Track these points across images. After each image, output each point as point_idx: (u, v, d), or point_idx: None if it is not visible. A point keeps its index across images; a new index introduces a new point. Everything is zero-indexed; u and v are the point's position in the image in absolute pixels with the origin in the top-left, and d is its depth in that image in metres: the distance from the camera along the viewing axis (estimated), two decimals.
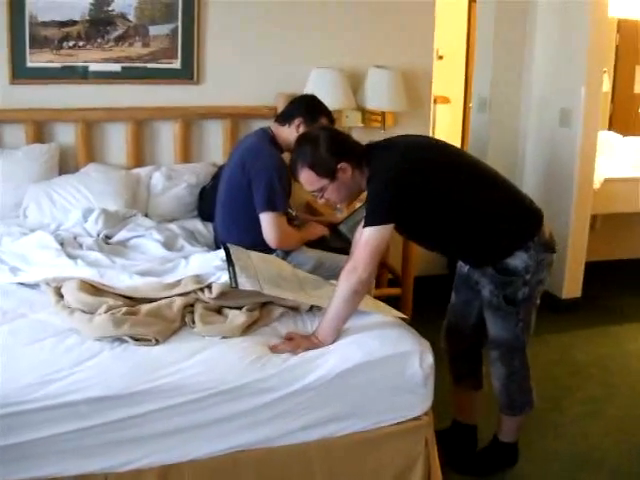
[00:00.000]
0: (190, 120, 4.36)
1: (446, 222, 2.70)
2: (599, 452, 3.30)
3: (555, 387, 3.85)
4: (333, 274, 3.04)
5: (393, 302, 3.73)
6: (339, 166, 2.62)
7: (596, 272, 5.18)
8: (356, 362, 2.43)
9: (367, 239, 2.53)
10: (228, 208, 3.52)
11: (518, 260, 2.70)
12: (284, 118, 3.49)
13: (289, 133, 3.42)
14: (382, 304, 2.94)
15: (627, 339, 4.56)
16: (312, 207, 4.34)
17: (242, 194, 3.38)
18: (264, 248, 3.26)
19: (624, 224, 5.68)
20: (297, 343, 2.52)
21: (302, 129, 3.37)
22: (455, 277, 3.07)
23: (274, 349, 2.49)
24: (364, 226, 2.55)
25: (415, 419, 2.57)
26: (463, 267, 2.99)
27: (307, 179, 2.68)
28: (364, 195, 2.71)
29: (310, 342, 2.52)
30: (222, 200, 3.57)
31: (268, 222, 3.31)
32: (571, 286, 4.92)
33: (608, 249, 5.64)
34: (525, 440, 3.18)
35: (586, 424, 3.52)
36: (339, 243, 3.58)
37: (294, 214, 3.73)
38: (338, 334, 2.55)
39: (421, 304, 4.53)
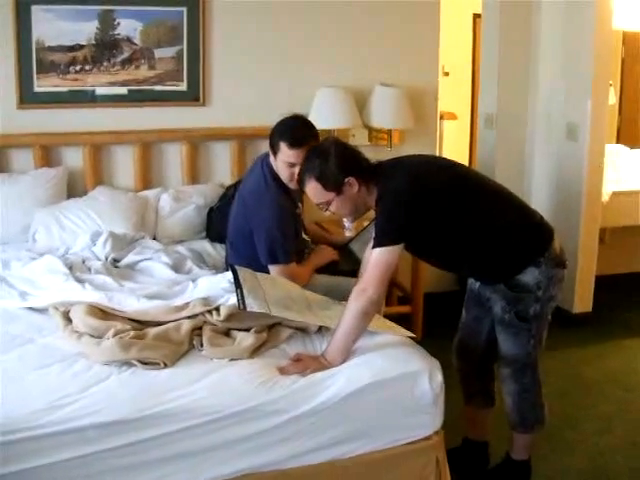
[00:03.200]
0: (197, 142, 4.38)
1: (456, 241, 2.70)
2: (612, 468, 3.27)
3: (567, 403, 3.82)
4: (344, 299, 3.03)
5: (403, 320, 3.73)
6: (346, 180, 2.62)
7: (606, 286, 5.15)
8: (365, 383, 2.42)
9: (377, 260, 2.52)
10: (235, 240, 3.49)
11: (529, 276, 2.69)
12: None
13: (273, 162, 3.30)
14: (391, 323, 2.93)
15: (639, 353, 4.53)
16: (321, 226, 4.33)
17: (246, 238, 3.35)
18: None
19: (633, 237, 5.65)
20: (306, 364, 2.51)
21: (272, 158, 3.26)
22: (466, 294, 3.06)
23: (282, 371, 2.48)
24: (373, 247, 2.55)
25: (426, 439, 2.55)
26: (474, 284, 2.98)
27: (314, 192, 2.68)
28: (372, 213, 2.71)
29: (319, 363, 2.51)
30: (230, 234, 3.54)
31: (275, 273, 3.26)
32: (582, 301, 4.89)
33: (618, 262, 5.61)
34: (537, 456, 3.16)
35: (598, 440, 3.49)
36: (349, 264, 3.56)
37: (307, 239, 3.69)
38: (347, 355, 2.54)
39: (432, 321, 4.52)
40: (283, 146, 3.18)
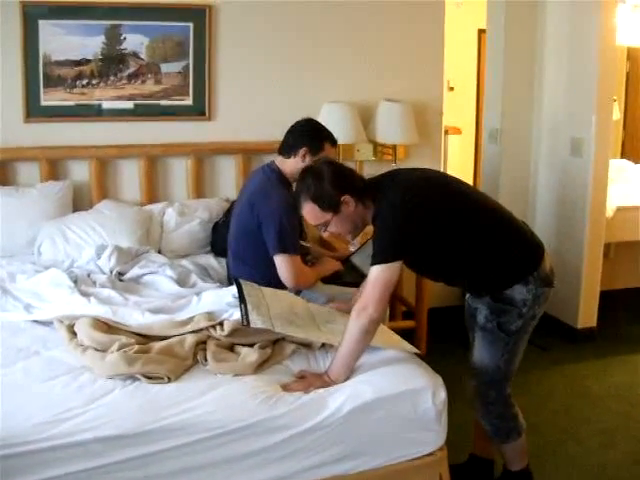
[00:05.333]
0: (202, 156, 4.40)
1: (448, 255, 2.70)
2: None
3: (571, 418, 3.81)
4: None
5: (407, 335, 3.72)
6: (342, 199, 2.62)
7: (611, 301, 5.15)
8: (368, 399, 2.42)
9: (376, 277, 2.52)
10: (239, 248, 3.50)
11: (516, 293, 2.69)
12: (288, 150, 3.43)
13: (295, 164, 3.36)
14: (397, 337, 2.93)
15: None
16: (325, 241, 4.33)
17: (252, 236, 3.37)
18: (276, 286, 3.25)
19: (638, 252, 5.63)
20: (309, 382, 2.52)
21: (308, 158, 3.33)
22: (464, 313, 3.05)
23: (286, 389, 2.49)
24: (371, 264, 2.55)
25: (429, 455, 2.55)
26: (468, 298, 2.98)
27: (311, 213, 2.68)
28: (370, 229, 2.71)
29: (322, 381, 2.51)
30: (233, 240, 3.56)
31: (282, 264, 3.29)
32: (586, 316, 4.88)
33: (622, 278, 5.60)
34: (541, 471, 3.17)
35: (602, 455, 3.48)
36: (353, 277, 3.57)
37: (308, 246, 3.71)
38: (350, 373, 2.54)
39: (436, 335, 4.51)
40: (327, 144, 3.38)
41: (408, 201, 2.57)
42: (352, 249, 4.06)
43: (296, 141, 3.41)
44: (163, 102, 4.34)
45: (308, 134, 3.43)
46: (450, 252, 2.68)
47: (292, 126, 3.52)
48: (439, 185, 2.76)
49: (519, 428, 2.94)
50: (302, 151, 3.37)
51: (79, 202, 4.19)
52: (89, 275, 3.54)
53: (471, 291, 2.90)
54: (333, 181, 2.63)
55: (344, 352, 2.52)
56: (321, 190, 2.62)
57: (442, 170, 5.13)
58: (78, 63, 4.16)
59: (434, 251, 2.68)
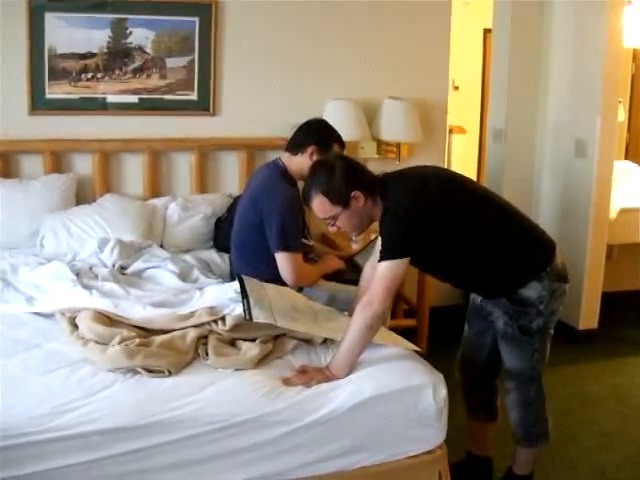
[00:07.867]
0: (206, 151, 4.39)
1: (459, 254, 2.70)
2: None
3: (571, 419, 3.81)
4: (347, 308, 3.04)
5: (409, 333, 3.73)
6: (353, 194, 2.62)
7: (613, 303, 5.14)
8: (369, 395, 2.42)
9: (383, 273, 2.53)
10: (242, 245, 3.51)
11: (531, 290, 2.69)
12: (296, 147, 3.43)
13: (302, 162, 3.36)
14: (397, 336, 2.93)
15: None
16: (328, 239, 4.33)
17: (255, 233, 3.36)
18: (279, 283, 3.24)
19: None
20: (310, 376, 2.51)
21: (315, 157, 3.32)
22: (468, 308, 3.06)
23: (287, 382, 2.49)
24: (379, 260, 2.55)
25: (429, 452, 2.55)
26: (476, 298, 2.98)
27: (320, 206, 2.68)
28: (376, 226, 2.71)
29: (324, 375, 2.51)
30: (236, 236, 3.56)
31: (283, 261, 3.29)
32: (587, 317, 4.88)
33: (625, 280, 5.59)
34: (540, 473, 3.15)
35: (601, 457, 3.48)
36: (355, 275, 3.56)
37: (311, 244, 3.71)
38: (352, 368, 2.54)
39: (437, 335, 4.51)
40: (336, 146, 3.38)
41: (416, 198, 2.58)
42: (355, 246, 4.06)
43: (305, 139, 3.42)
44: (167, 97, 4.33)
45: (318, 133, 3.43)
46: (463, 251, 2.69)
47: (303, 124, 3.53)
48: (449, 184, 2.76)
49: (548, 433, 2.95)
50: (310, 149, 3.37)
51: (82, 195, 4.19)
52: (91, 268, 3.54)
53: (485, 293, 2.88)
54: (345, 175, 2.64)
55: (346, 346, 2.53)
56: (332, 183, 2.63)
57: None
58: (83, 56, 4.15)
59: (446, 250, 2.68)
